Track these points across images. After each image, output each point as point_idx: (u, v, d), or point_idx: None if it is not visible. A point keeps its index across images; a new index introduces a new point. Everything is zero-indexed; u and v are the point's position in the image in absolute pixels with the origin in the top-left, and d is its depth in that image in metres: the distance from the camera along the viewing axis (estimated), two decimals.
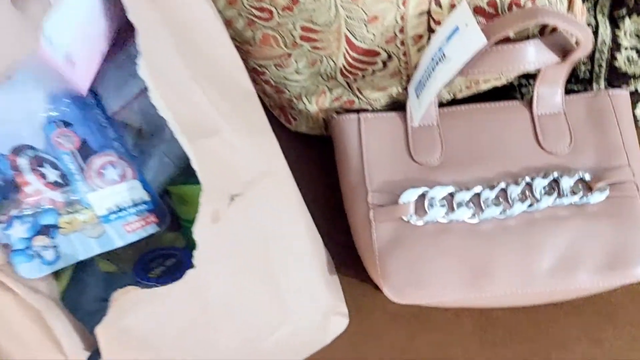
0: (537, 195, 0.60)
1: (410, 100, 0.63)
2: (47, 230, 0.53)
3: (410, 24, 0.59)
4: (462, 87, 0.66)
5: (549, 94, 0.63)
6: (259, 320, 0.54)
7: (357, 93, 0.65)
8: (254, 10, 0.61)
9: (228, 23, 0.62)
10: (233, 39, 0.59)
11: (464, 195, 0.60)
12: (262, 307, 0.53)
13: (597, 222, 0.59)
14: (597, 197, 0.60)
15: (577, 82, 0.68)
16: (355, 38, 0.60)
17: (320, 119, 0.69)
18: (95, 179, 0.54)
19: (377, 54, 0.62)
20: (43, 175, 0.53)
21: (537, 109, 0.63)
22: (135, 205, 0.55)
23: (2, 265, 0.51)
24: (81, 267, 0.60)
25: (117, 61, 0.57)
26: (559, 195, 0.60)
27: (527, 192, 0.60)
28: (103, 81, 0.57)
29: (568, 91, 0.65)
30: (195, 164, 0.46)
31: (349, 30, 0.60)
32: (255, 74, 0.67)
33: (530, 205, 0.60)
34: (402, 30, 0.60)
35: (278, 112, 0.72)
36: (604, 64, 0.66)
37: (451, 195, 0.61)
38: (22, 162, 0.53)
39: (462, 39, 0.55)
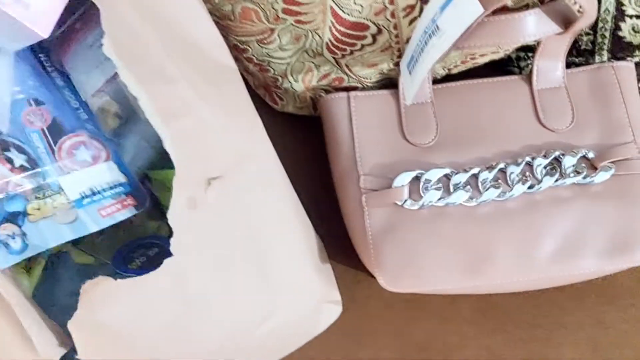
0: (538, 176, 0.60)
1: (402, 76, 0.62)
2: (14, 217, 0.52)
3: None
4: (457, 61, 0.65)
5: (550, 68, 0.63)
6: (247, 311, 0.53)
7: (346, 70, 0.65)
8: None
9: None
10: (211, 13, 0.58)
11: (461, 177, 0.60)
12: (249, 298, 0.53)
13: (602, 203, 0.59)
14: (601, 176, 0.60)
15: (578, 54, 0.67)
16: (342, 10, 0.60)
17: (308, 98, 0.68)
18: (66, 160, 0.54)
19: (365, 27, 0.61)
20: (9, 160, 0.52)
21: (537, 84, 0.63)
22: (111, 187, 0.55)
23: None
24: (54, 260, 0.59)
25: (88, 43, 0.56)
26: (561, 175, 0.60)
27: (528, 173, 0.60)
28: (74, 63, 0.56)
29: (569, 64, 0.65)
30: (168, 145, 0.45)
31: (334, 2, 0.59)
32: (236, 51, 0.66)
33: (531, 187, 0.60)
34: (392, 2, 0.59)
35: (263, 91, 0.71)
36: (607, 34, 0.65)
37: (447, 177, 0.60)
38: None
39: (456, 9, 0.54)
